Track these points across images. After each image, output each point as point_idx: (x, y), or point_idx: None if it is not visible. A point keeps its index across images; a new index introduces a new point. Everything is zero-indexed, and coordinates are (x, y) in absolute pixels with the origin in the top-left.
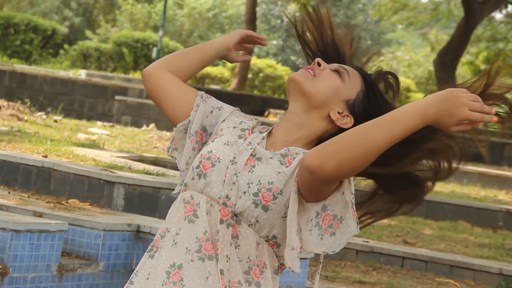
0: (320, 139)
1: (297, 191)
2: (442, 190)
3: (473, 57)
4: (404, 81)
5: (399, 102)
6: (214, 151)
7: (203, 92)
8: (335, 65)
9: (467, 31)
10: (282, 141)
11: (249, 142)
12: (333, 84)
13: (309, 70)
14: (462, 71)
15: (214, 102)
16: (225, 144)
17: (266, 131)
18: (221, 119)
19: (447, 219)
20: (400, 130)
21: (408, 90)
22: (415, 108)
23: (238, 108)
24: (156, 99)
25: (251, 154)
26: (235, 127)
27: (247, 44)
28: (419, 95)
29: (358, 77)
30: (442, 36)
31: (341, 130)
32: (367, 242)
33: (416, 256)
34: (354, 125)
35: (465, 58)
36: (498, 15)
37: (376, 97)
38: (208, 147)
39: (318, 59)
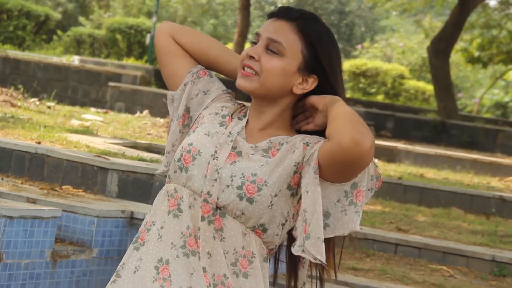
0: (291, 109)
1: (319, 182)
2: (436, 177)
3: (467, 44)
4: (398, 68)
5: (393, 89)
6: (195, 143)
7: (197, 69)
8: (265, 41)
9: (461, 18)
10: (258, 129)
11: (230, 132)
12: (278, 69)
13: (249, 70)
14: (456, 58)
15: (202, 84)
16: (205, 134)
17: (244, 117)
18: (204, 105)
19: (440, 206)
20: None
21: (402, 77)
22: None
23: (229, 90)
24: (162, 55)
25: (232, 147)
26: (217, 113)
27: None
28: (413, 82)
29: (292, 35)
30: (436, 23)
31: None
32: (361, 229)
33: (409, 243)
34: (319, 75)
35: (459, 45)
36: (492, 2)
37: (317, 39)
38: (189, 138)
39: (249, 52)
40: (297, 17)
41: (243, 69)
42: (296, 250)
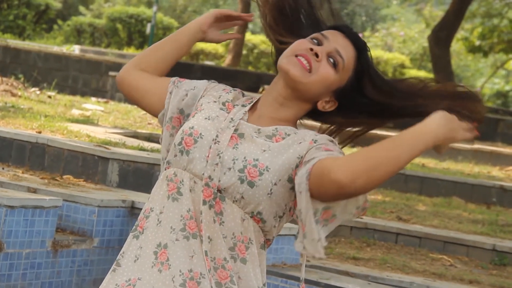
0: (299, 117)
1: (308, 188)
2: (436, 166)
3: (467, 33)
4: (398, 57)
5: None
6: (196, 126)
7: (175, 78)
8: (331, 49)
9: (462, 7)
10: (269, 117)
11: (231, 118)
12: (327, 80)
13: (306, 62)
14: (457, 47)
15: (186, 84)
16: (206, 118)
17: (249, 104)
18: (198, 96)
19: (441, 195)
20: (418, 150)
21: (402, 66)
22: (429, 129)
23: (213, 81)
24: (135, 101)
25: (234, 130)
26: (215, 101)
27: (228, 23)
28: (414, 71)
29: (352, 61)
30: (437, 12)
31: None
32: (361, 218)
33: (410, 232)
34: (337, 109)
35: (459, 34)
36: None
37: (369, 82)
38: (189, 122)
39: (316, 50)
40: (360, 47)
41: (298, 56)
42: (298, 247)
